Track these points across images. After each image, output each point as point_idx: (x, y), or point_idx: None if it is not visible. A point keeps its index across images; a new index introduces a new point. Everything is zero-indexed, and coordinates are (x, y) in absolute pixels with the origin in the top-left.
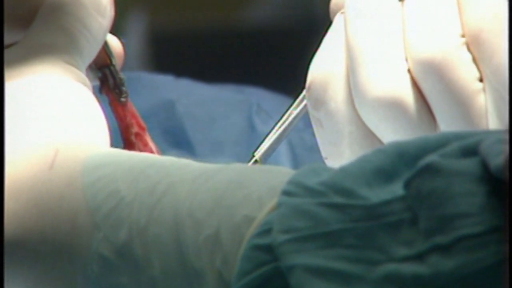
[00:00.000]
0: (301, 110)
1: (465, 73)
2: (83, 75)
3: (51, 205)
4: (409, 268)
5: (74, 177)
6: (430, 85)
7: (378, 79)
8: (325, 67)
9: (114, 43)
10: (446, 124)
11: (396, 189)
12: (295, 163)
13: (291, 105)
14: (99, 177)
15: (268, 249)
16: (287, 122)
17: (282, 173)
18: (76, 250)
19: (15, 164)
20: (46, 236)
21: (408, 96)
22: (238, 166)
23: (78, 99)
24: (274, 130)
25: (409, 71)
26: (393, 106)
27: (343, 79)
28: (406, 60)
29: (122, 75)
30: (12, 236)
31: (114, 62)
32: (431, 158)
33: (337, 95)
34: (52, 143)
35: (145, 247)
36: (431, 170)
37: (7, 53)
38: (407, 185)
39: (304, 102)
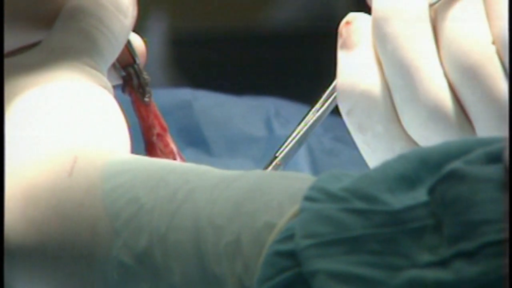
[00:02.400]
0: (323, 113)
1: (501, 80)
2: (104, 78)
3: (70, 212)
4: (432, 274)
5: (94, 184)
6: (467, 92)
7: (429, 91)
8: (362, 88)
9: (137, 42)
10: (485, 130)
11: (419, 195)
12: (314, 167)
13: (311, 108)
14: (119, 184)
15: (290, 255)
16: (308, 125)
17: (302, 179)
18: (95, 257)
19: (34, 171)
20: (65, 243)
21: (449, 104)
22: (258, 172)
23: (98, 104)
24: (295, 132)
25: (445, 76)
26: (437, 116)
27: (385, 99)
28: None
29: (146, 75)
30: (32, 243)
31: (137, 62)
32: (456, 164)
33: (383, 118)
34: (71, 150)
35: (165, 254)
36: (455, 176)
37: (28, 56)
38: (431, 191)
39: (326, 105)
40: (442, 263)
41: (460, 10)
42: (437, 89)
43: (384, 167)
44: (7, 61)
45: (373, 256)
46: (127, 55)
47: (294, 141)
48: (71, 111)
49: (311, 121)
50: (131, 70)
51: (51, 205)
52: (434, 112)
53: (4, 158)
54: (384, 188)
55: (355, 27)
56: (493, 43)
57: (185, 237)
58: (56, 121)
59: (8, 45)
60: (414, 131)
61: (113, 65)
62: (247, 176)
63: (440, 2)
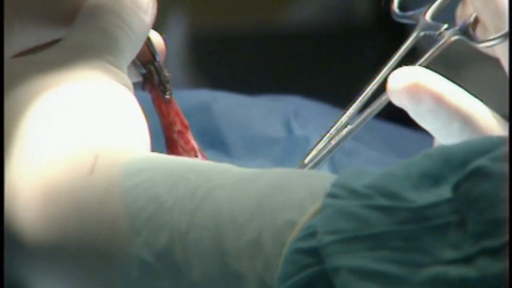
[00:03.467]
0: (356, 126)
1: None
2: (124, 76)
3: (91, 210)
4: (456, 271)
5: (114, 182)
6: None
7: None
8: None
9: (157, 39)
10: None
11: (443, 192)
12: (333, 167)
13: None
14: (139, 182)
15: (311, 252)
16: (340, 135)
17: (322, 177)
18: (116, 255)
19: (54, 169)
20: (86, 241)
21: None
22: (278, 170)
23: (118, 103)
24: (324, 139)
25: None
26: None
27: None
28: None
29: (167, 72)
30: (52, 242)
31: (158, 59)
32: (481, 161)
33: None
34: (92, 148)
35: (185, 252)
36: (480, 173)
37: (47, 53)
38: (455, 188)
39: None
40: (466, 260)
41: None
42: None
43: (407, 165)
44: (27, 59)
45: (396, 253)
46: (147, 53)
47: (320, 148)
48: (91, 110)
49: (344, 131)
50: (152, 68)
51: (72, 204)
52: None
53: (3, 157)
54: (408, 185)
55: None
56: None
57: (205, 235)
58: (77, 120)
59: (28, 43)
60: None
61: (133, 63)
62: (268, 174)
63: None
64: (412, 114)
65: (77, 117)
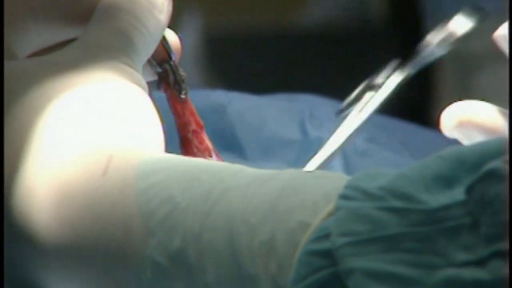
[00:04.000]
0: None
1: None
2: (139, 76)
3: (104, 211)
4: (469, 274)
5: (128, 183)
6: None
7: None
8: None
9: (172, 38)
10: None
11: (456, 194)
12: (347, 168)
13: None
14: (153, 183)
15: (324, 254)
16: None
17: (336, 178)
18: (129, 256)
19: (68, 170)
20: (99, 242)
21: None
22: (292, 171)
23: (133, 104)
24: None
25: None
26: None
27: None
28: None
29: (182, 71)
30: (66, 242)
31: (173, 58)
32: (494, 164)
33: None
34: (106, 149)
35: (199, 253)
36: (494, 176)
37: (63, 54)
38: (469, 190)
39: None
40: (480, 263)
41: None
42: None
43: (420, 166)
44: (43, 59)
45: (410, 255)
46: (163, 52)
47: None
48: (105, 111)
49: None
50: (167, 67)
51: (86, 204)
52: None
53: (3, 158)
54: (421, 187)
55: None
56: None
57: (219, 236)
58: (90, 121)
59: (43, 42)
60: None
61: (149, 61)
62: (281, 175)
63: None
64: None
65: (90, 118)
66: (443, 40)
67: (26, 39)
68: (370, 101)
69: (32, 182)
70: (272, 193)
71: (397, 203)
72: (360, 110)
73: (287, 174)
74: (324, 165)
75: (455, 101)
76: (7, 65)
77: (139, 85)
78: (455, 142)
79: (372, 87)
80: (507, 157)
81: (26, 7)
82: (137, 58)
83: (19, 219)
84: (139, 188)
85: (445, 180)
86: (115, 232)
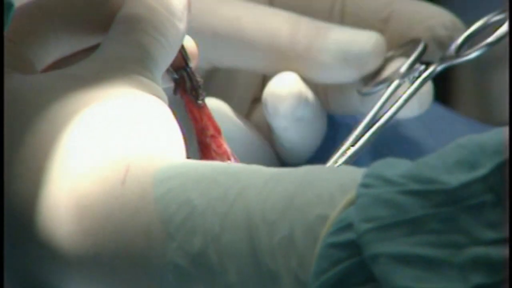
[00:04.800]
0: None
1: None
2: (157, 87)
3: (124, 220)
4: (497, 252)
5: (146, 190)
6: None
7: None
8: None
9: (190, 44)
10: None
11: (477, 173)
12: (374, 155)
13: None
14: (170, 189)
15: (345, 246)
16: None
17: (352, 171)
18: (151, 262)
19: (87, 181)
20: (121, 251)
21: None
22: (308, 167)
23: (151, 115)
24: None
25: None
26: None
27: None
28: None
29: (199, 77)
30: (89, 253)
31: (190, 65)
32: None
33: None
34: (124, 159)
35: (220, 254)
36: None
37: (83, 67)
38: (492, 171)
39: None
40: (507, 241)
41: None
42: None
43: (440, 154)
44: (64, 74)
45: (435, 236)
46: (180, 58)
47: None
48: (123, 123)
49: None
50: (184, 73)
51: (106, 214)
52: None
53: (3, 158)
54: (443, 171)
55: None
56: None
57: (238, 236)
58: (108, 133)
59: (62, 53)
60: None
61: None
62: (297, 171)
63: None
64: None
65: (108, 130)
66: (484, 43)
67: (46, 51)
68: (398, 95)
69: (54, 196)
70: (289, 189)
71: (418, 186)
72: (386, 101)
73: (303, 170)
74: (353, 158)
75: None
76: (28, 78)
77: (158, 96)
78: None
79: (398, 75)
80: None
81: (46, 19)
82: (156, 69)
83: (42, 233)
84: (157, 194)
85: (468, 164)
86: (136, 240)
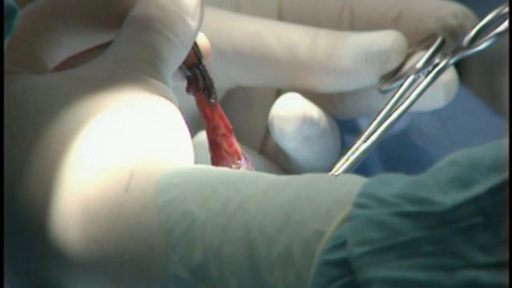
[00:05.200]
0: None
1: None
2: (167, 88)
3: (128, 227)
4: (489, 277)
5: (149, 198)
6: None
7: None
8: None
9: (203, 42)
10: None
11: (472, 193)
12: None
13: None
14: (172, 198)
15: (340, 264)
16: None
17: (350, 181)
18: (153, 272)
19: (92, 187)
20: (125, 259)
21: None
22: (307, 177)
23: (159, 118)
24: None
25: None
26: None
27: None
28: None
29: (211, 75)
30: (93, 258)
31: (203, 62)
32: None
33: None
34: (128, 165)
35: (220, 267)
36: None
37: (95, 67)
38: (487, 193)
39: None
40: (499, 266)
41: None
42: None
43: (434, 172)
44: (77, 75)
45: (427, 259)
46: (193, 56)
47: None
48: (132, 130)
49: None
50: (197, 71)
51: (110, 221)
52: None
53: (3, 159)
54: (436, 190)
55: None
56: None
57: (238, 249)
58: (116, 139)
59: (74, 51)
60: None
61: (178, 66)
62: (296, 181)
63: None
64: None
65: (116, 138)
66: (496, 33)
67: (58, 50)
68: (412, 89)
69: (63, 201)
70: (287, 201)
71: (411, 208)
72: (400, 96)
73: (302, 180)
74: (365, 154)
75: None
76: (40, 78)
77: (168, 98)
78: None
79: (414, 70)
80: None
81: (59, 18)
82: (166, 69)
83: (51, 237)
84: (159, 203)
85: (461, 182)
86: (140, 248)
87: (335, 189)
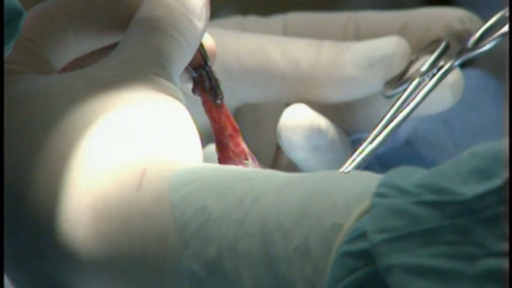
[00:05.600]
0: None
1: None
2: (175, 88)
3: (140, 225)
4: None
5: (162, 196)
6: None
7: None
8: None
9: (209, 42)
10: None
11: (492, 183)
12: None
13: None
14: (186, 195)
15: (359, 255)
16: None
17: (367, 178)
18: (166, 268)
19: (103, 185)
20: (137, 256)
21: None
22: (323, 173)
23: (168, 117)
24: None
25: None
26: None
27: None
28: None
29: (217, 76)
30: (104, 258)
31: (209, 63)
32: None
33: None
34: (140, 163)
35: (235, 262)
36: None
37: (103, 68)
38: (505, 182)
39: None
40: None
41: None
42: None
43: (455, 163)
44: (86, 76)
45: (449, 247)
46: (199, 57)
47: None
48: (141, 128)
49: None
50: (203, 72)
51: (122, 219)
52: None
53: (3, 159)
54: (457, 181)
55: None
56: None
57: (253, 243)
58: (127, 137)
59: (81, 51)
60: None
61: (184, 67)
62: (312, 177)
63: None
64: None
65: (125, 134)
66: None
67: (65, 50)
68: (418, 92)
69: (72, 199)
70: (304, 196)
71: (433, 197)
72: (406, 99)
73: (318, 176)
74: (370, 155)
75: None
76: (47, 79)
77: (176, 97)
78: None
79: (419, 73)
80: None
81: (66, 18)
82: (173, 69)
83: (60, 235)
84: (172, 200)
85: (483, 174)
86: (152, 246)
87: (353, 184)
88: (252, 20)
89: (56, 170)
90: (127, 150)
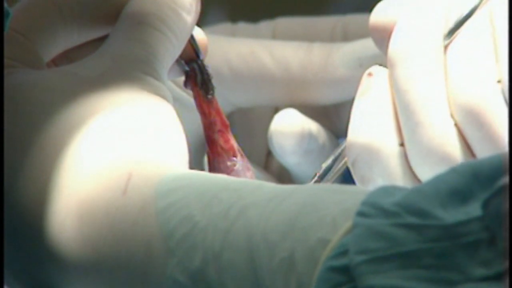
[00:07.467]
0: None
1: (503, 119)
2: (162, 86)
3: (125, 231)
4: None
5: (147, 202)
6: (471, 132)
7: (434, 134)
8: (364, 141)
9: (200, 37)
10: None
11: (472, 209)
12: None
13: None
14: (172, 202)
15: (344, 270)
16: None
17: (356, 193)
18: (150, 276)
19: (89, 189)
20: (121, 262)
21: (455, 146)
22: (312, 187)
23: (155, 119)
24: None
25: (452, 116)
26: (443, 158)
27: (390, 153)
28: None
29: (209, 71)
30: (88, 262)
31: (201, 57)
32: (508, 178)
33: (383, 171)
34: (126, 166)
35: (219, 272)
36: (508, 190)
37: (91, 64)
38: (485, 205)
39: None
40: (497, 277)
41: (469, 49)
42: (442, 131)
43: (436, 181)
44: (71, 70)
45: (427, 271)
46: (191, 51)
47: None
48: (128, 131)
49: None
50: (195, 66)
51: (107, 224)
52: (440, 155)
53: (3, 160)
54: (437, 202)
55: (376, 79)
56: (499, 81)
57: (239, 255)
58: (113, 141)
59: (70, 44)
60: (421, 173)
61: (176, 60)
62: (300, 190)
63: (451, 40)
64: None
65: (113, 139)
66: None
67: (54, 43)
68: None
69: (59, 201)
70: (291, 209)
71: (413, 219)
72: None
73: (307, 189)
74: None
75: None
76: (37, 74)
77: (162, 96)
78: None
79: None
80: None
81: (56, 12)
82: (161, 66)
83: (46, 237)
84: (158, 207)
85: (461, 195)
86: (137, 252)
87: (341, 199)
88: (241, 26)
89: (42, 171)
90: (113, 153)
